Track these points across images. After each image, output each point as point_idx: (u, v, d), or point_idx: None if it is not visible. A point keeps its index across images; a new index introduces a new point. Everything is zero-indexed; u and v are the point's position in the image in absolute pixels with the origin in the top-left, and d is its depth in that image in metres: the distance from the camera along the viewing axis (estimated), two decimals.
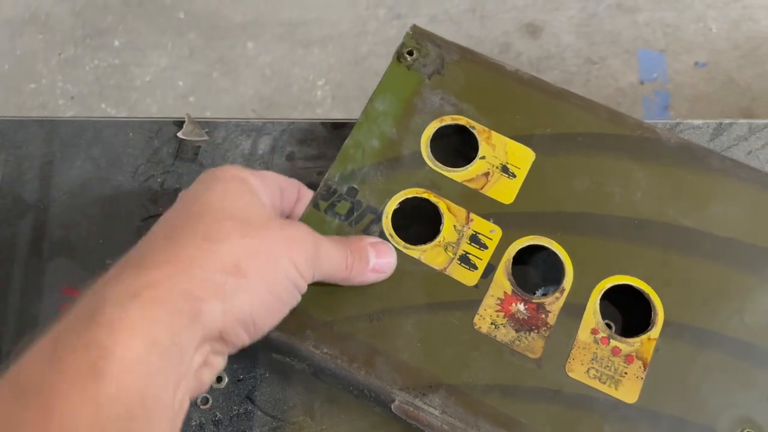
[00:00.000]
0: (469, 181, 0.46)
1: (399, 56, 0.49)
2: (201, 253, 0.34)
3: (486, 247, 0.44)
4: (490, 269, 0.44)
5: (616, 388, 0.41)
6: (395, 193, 0.45)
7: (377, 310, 0.42)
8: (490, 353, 0.42)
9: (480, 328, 0.42)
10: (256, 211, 0.38)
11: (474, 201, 0.45)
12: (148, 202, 0.51)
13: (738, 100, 1.49)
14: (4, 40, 1.60)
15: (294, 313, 0.41)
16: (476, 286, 0.43)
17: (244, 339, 0.36)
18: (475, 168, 0.46)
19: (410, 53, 0.49)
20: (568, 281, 0.43)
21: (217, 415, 0.45)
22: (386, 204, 0.45)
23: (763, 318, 0.43)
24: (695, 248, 0.44)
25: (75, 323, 0.32)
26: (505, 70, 0.48)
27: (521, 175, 0.46)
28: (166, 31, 1.61)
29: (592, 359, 0.42)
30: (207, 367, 0.36)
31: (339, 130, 0.52)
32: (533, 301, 0.43)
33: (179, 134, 0.52)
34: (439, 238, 0.44)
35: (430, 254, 0.44)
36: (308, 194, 0.45)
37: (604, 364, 0.41)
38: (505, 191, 0.45)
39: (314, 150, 0.52)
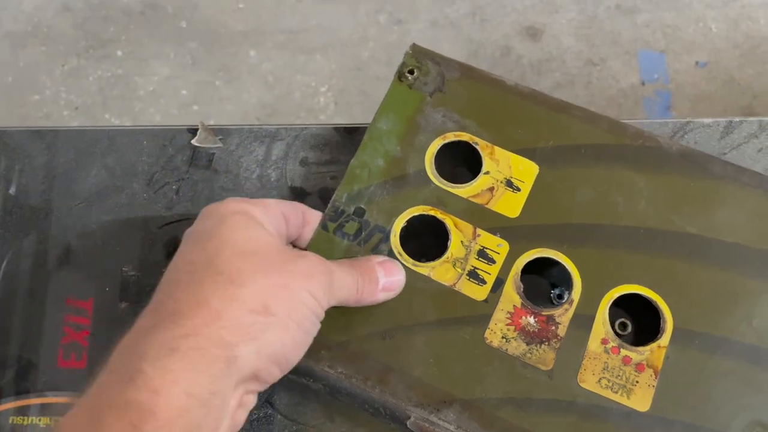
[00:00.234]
0: (474, 196, 0.46)
1: (400, 75, 0.49)
2: (228, 297, 0.35)
3: (494, 262, 0.45)
4: (498, 283, 0.44)
5: (628, 397, 0.42)
6: (402, 212, 0.46)
7: (390, 329, 0.43)
8: (502, 367, 0.42)
9: (491, 342, 0.43)
10: (267, 243, 0.38)
11: (480, 216, 0.46)
12: (163, 209, 0.51)
13: (739, 98, 1.49)
14: (7, 53, 1.61)
15: None
16: (486, 300, 0.44)
17: (276, 375, 0.37)
18: (479, 183, 0.47)
19: (411, 72, 0.49)
20: (576, 292, 0.44)
21: None
22: (394, 223, 0.46)
23: None
24: (701, 255, 0.45)
25: (114, 381, 0.32)
26: (505, 86, 0.49)
27: (526, 188, 0.46)
28: (168, 40, 1.62)
29: (604, 369, 0.42)
30: (241, 407, 0.36)
31: (352, 134, 0.53)
32: (543, 313, 0.43)
33: (193, 141, 0.53)
34: (447, 255, 0.45)
35: (439, 271, 0.44)
36: (314, 217, 0.46)
37: (616, 374, 0.42)
38: (510, 205, 0.46)
39: (327, 155, 0.52)
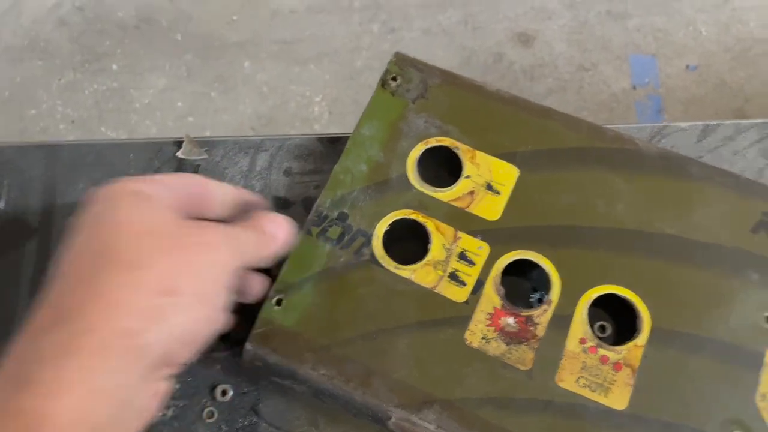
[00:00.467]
0: (455, 200, 0.47)
1: (383, 83, 0.50)
2: (128, 284, 0.33)
3: (474, 264, 0.45)
4: (479, 285, 0.45)
5: (606, 396, 0.42)
6: (384, 216, 0.47)
7: (372, 331, 0.44)
8: (482, 367, 0.43)
9: (471, 343, 0.43)
10: (165, 220, 0.36)
11: (461, 219, 0.46)
12: None
13: (730, 101, 1.50)
14: (5, 68, 1.62)
15: (292, 337, 0.43)
16: (466, 302, 0.44)
17: (188, 356, 0.36)
18: (460, 187, 0.47)
19: (394, 79, 0.50)
20: (555, 293, 0.45)
21: (222, 428, 0.46)
22: (376, 226, 0.46)
23: (747, 319, 0.44)
24: (679, 255, 0.46)
25: (8, 387, 0.30)
26: (486, 91, 0.50)
27: (506, 191, 0.47)
28: (163, 53, 1.63)
29: (582, 368, 0.43)
30: (155, 395, 0.35)
31: (334, 144, 0.53)
32: (522, 314, 0.44)
33: (178, 154, 0.53)
34: (429, 257, 0.46)
35: (420, 273, 0.45)
36: (216, 187, 0.42)
37: (594, 373, 0.43)
38: (490, 208, 0.47)
39: (311, 164, 0.53)
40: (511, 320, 0.44)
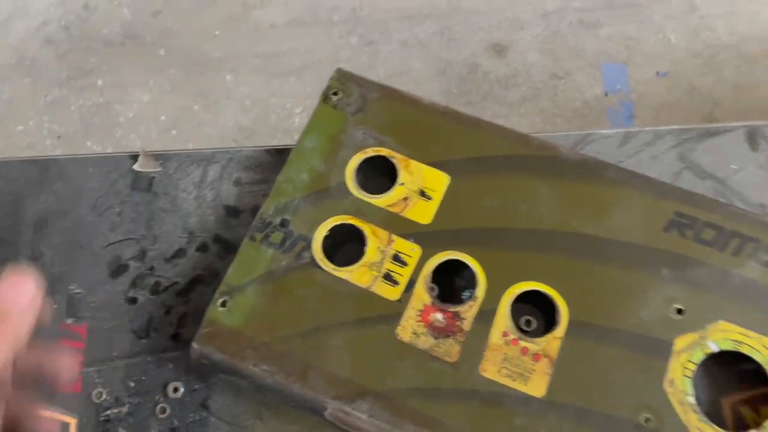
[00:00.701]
0: (390, 205, 0.50)
1: (325, 97, 0.54)
2: None
3: (406, 264, 0.49)
4: (411, 284, 0.48)
5: (525, 384, 0.46)
6: (324, 221, 0.50)
7: (311, 329, 0.47)
8: (412, 360, 0.46)
9: (402, 337, 0.47)
10: None
11: (395, 223, 0.50)
12: (107, 231, 0.55)
13: (700, 106, 1.54)
14: None
15: (236, 336, 0.46)
16: (399, 300, 0.48)
17: None
18: (395, 194, 0.51)
19: (335, 94, 0.54)
20: (480, 290, 0.48)
21: (174, 423, 0.49)
22: (316, 231, 0.50)
23: (658, 312, 0.47)
24: (595, 253, 0.49)
25: None
26: (421, 104, 0.53)
27: (437, 197, 0.51)
28: (147, 68, 1.67)
29: (503, 359, 0.46)
30: None
31: (282, 155, 0.57)
32: (450, 310, 0.47)
33: (135, 167, 0.57)
34: (365, 259, 0.49)
35: (357, 274, 0.49)
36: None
37: (514, 363, 0.46)
38: (423, 213, 0.50)
39: (259, 175, 0.57)
40: (439, 316, 0.47)
